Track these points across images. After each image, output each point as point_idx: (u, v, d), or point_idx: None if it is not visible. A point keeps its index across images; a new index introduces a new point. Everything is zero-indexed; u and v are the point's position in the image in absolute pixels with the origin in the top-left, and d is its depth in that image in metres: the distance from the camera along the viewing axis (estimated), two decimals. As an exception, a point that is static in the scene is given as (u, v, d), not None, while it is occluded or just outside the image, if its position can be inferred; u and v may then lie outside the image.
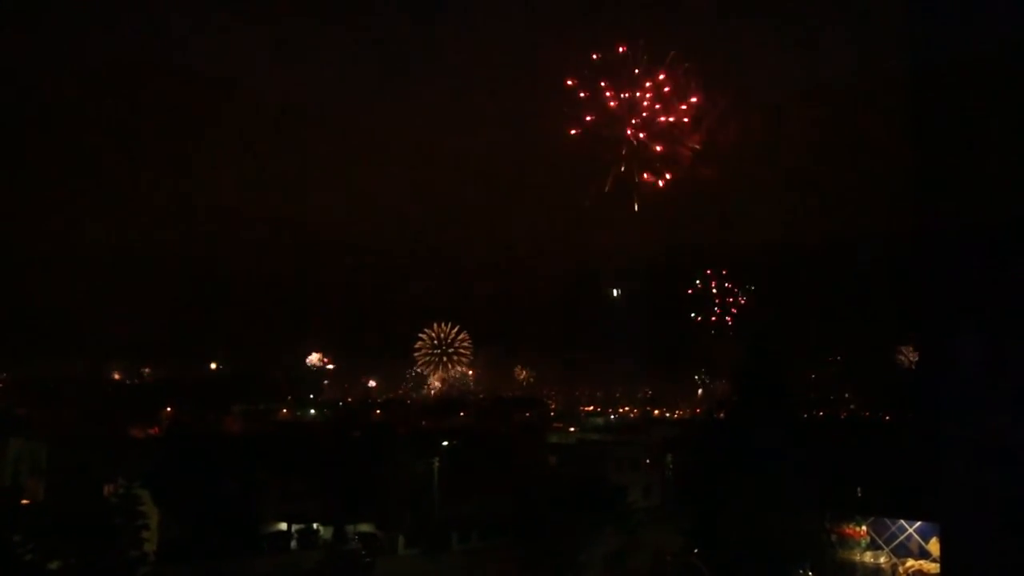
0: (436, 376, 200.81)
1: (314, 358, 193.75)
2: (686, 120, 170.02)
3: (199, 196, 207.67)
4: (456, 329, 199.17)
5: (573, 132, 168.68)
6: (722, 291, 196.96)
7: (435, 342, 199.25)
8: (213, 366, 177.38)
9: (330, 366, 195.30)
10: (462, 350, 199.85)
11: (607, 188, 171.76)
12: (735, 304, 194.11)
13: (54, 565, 44.24)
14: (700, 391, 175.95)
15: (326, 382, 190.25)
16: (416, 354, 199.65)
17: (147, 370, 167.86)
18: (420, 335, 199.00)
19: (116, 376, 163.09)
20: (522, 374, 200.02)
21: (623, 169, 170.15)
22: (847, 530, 51.56)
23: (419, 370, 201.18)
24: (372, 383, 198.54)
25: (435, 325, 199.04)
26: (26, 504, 58.49)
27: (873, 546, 50.87)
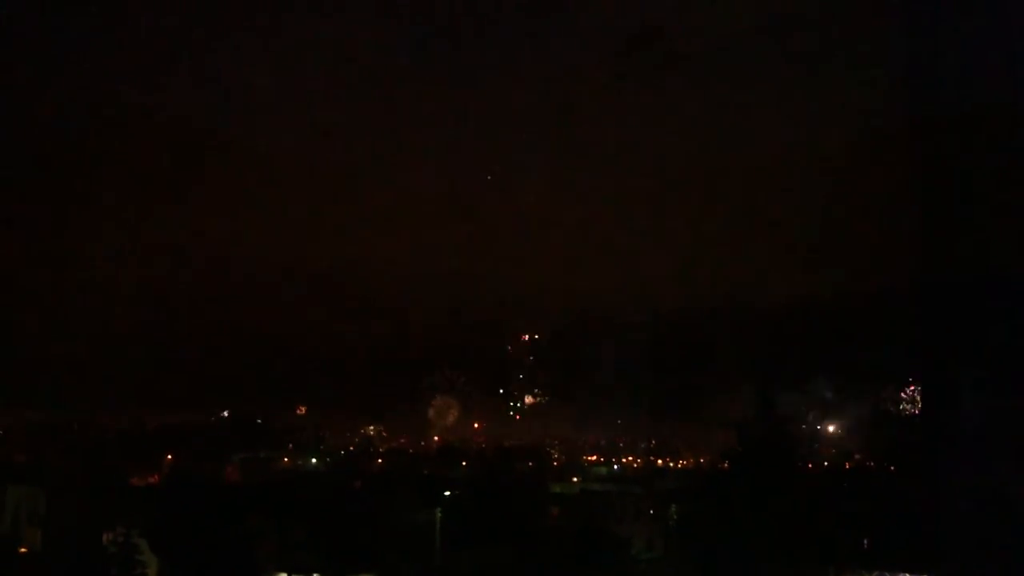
0: (438, 426, 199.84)
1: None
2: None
3: (198, 244, 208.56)
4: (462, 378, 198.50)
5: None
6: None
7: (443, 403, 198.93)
8: (214, 414, 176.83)
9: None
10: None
11: None
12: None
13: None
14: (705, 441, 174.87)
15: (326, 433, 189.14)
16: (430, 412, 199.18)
17: (147, 417, 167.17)
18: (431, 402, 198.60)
19: (116, 423, 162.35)
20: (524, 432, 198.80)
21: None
22: (852, 583, 51.10)
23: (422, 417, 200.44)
24: (373, 430, 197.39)
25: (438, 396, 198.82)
26: (24, 552, 58.13)
27: (878, 600, 50.40)
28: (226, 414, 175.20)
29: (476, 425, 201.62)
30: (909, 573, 48.81)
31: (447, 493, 77.46)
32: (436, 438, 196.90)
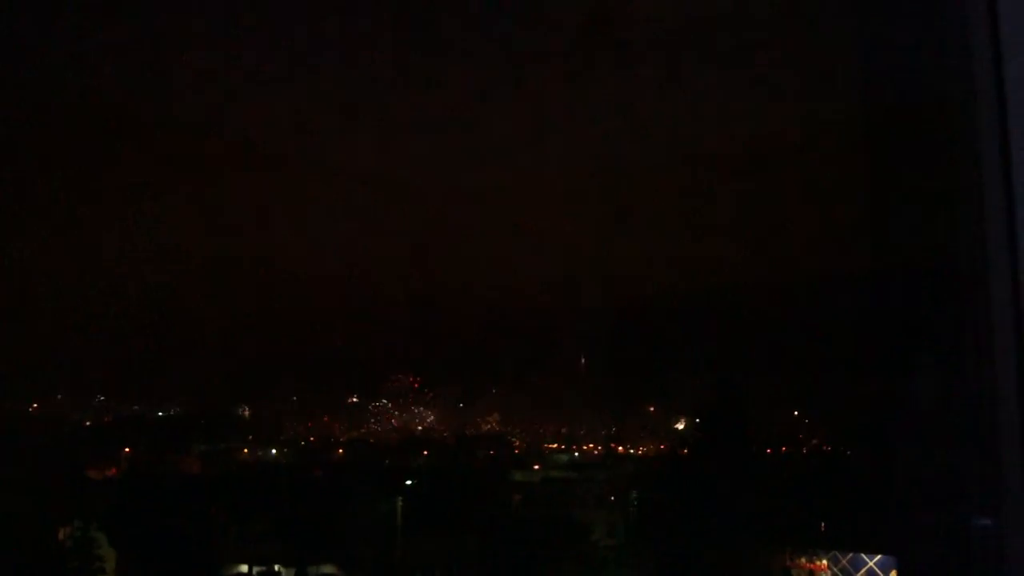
0: (398, 416, 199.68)
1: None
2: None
3: (155, 234, 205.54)
4: (417, 380, 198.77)
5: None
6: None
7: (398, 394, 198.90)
8: (173, 406, 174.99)
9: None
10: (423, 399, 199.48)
11: None
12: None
13: (7, 611, 43.33)
14: (664, 427, 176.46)
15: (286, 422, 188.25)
16: (376, 404, 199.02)
17: (105, 409, 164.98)
18: (384, 384, 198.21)
19: (72, 415, 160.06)
20: (490, 418, 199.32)
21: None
22: (807, 564, 52.07)
23: (384, 403, 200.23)
24: (332, 420, 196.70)
25: (394, 377, 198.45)
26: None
27: (834, 581, 51.42)
28: (184, 406, 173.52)
29: (431, 417, 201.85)
30: (863, 552, 49.94)
31: (408, 482, 77.54)
32: (396, 427, 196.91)
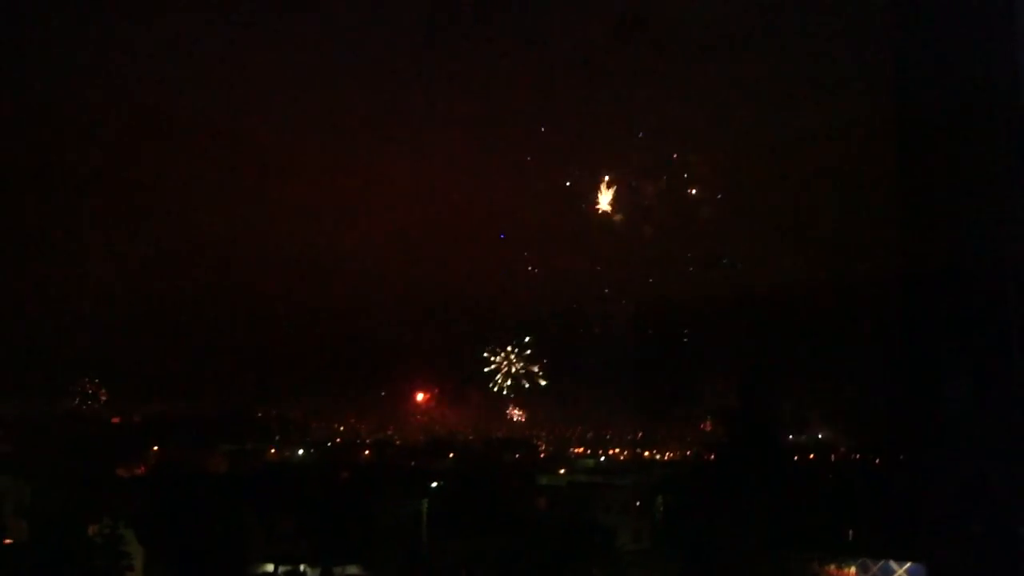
0: (424, 418, 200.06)
1: None
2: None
3: (181, 231, 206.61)
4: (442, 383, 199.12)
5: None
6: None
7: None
8: (200, 406, 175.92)
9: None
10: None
11: None
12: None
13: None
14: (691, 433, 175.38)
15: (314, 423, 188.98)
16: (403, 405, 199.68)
17: (133, 408, 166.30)
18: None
19: (102, 414, 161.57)
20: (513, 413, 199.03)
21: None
22: (835, 571, 51.52)
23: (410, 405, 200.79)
24: (355, 419, 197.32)
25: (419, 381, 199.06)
26: (9, 544, 57.97)
27: (861, 588, 50.89)
28: (212, 405, 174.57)
29: (455, 417, 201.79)
30: (892, 560, 49.31)
31: (434, 484, 77.55)
32: (422, 429, 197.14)
